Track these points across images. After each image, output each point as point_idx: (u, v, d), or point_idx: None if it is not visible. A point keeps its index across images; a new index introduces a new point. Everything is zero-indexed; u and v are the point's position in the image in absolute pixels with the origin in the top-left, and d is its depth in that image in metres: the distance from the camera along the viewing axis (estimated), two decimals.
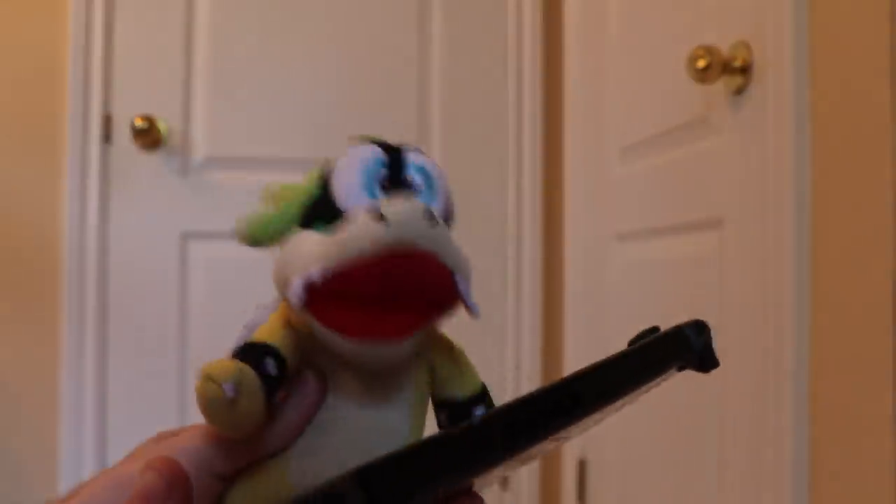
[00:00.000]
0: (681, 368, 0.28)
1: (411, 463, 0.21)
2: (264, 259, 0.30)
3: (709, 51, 0.92)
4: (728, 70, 0.93)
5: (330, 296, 0.26)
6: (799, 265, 0.81)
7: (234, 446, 0.27)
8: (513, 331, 1.59)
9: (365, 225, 0.26)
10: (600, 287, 1.33)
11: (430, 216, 0.26)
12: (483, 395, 0.30)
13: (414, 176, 0.29)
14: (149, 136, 1.49)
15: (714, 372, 0.28)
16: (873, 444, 0.71)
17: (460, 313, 0.29)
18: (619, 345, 0.27)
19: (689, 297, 1.05)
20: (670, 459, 1.09)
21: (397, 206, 0.26)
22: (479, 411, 0.30)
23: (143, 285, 1.53)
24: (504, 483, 1.55)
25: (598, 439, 1.31)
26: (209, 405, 0.25)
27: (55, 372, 1.49)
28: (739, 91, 0.93)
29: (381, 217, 0.26)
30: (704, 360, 0.27)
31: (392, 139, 0.30)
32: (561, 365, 1.47)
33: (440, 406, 0.30)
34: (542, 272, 1.60)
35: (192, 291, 1.53)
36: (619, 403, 0.26)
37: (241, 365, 0.25)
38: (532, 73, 1.61)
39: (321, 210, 0.28)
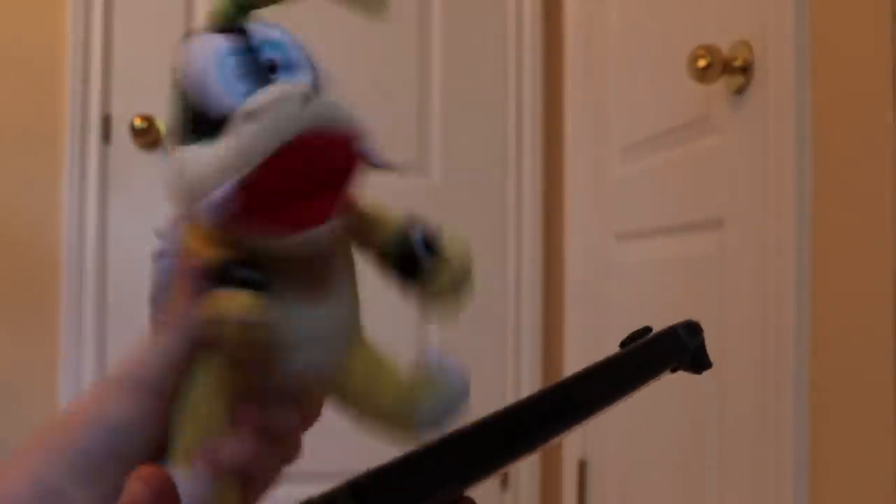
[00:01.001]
0: (674, 369, 0.27)
1: (406, 473, 0.21)
2: None
3: (709, 50, 0.92)
4: (728, 70, 0.93)
5: (249, 203, 0.27)
6: (799, 265, 0.81)
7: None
8: (513, 331, 1.59)
9: (251, 128, 0.26)
10: (600, 287, 1.33)
11: (304, 96, 0.27)
12: (411, 222, 0.32)
13: (269, 55, 0.29)
14: (148, 136, 1.49)
15: (714, 372, 0.28)
16: (874, 444, 0.71)
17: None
18: (618, 346, 0.27)
19: (689, 297, 1.05)
20: (671, 460, 1.09)
21: (270, 97, 0.27)
22: (417, 235, 0.31)
23: (142, 285, 1.52)
24: (504, 482, 1.55)
25: (598, 439, 1.31)
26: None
27: (55, 371, 1.49)
28: (740, 91, 0.93)
29: (261, 113, 0.26)
30: (697, 360, 0.27)
31: (234, 18, 0.30)
32: (561, 365, 1.47)
33: (384, 257, 0.32)
34: (543, 272, 1.60)
35: None
36: (612, 405, 0.26)
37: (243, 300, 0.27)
38: (532, 73, 1.61)
39: (193, 121, 0.28)
